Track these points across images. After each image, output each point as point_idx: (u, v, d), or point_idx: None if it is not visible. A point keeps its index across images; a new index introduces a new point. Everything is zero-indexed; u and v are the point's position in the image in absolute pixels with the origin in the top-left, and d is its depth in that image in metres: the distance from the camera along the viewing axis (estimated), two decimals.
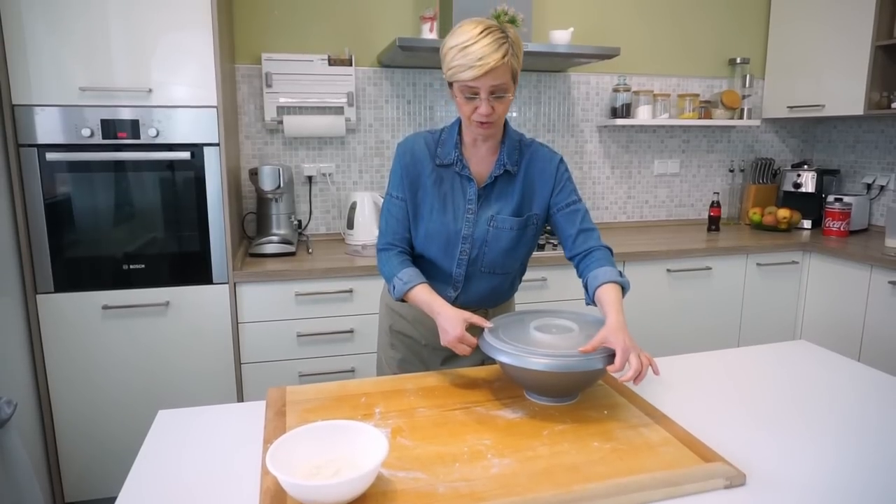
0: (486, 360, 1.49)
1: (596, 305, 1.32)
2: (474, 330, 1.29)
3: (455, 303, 1.44)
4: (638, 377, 1.11)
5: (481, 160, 1.42)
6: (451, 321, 1.28)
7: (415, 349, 1.55)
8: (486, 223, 1.41)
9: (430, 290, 1.36)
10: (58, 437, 2.12)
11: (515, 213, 1.41)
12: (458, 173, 1.41)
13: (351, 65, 2.68)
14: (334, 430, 0.98)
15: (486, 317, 1.52)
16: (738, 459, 1.01)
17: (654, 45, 3.14)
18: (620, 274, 1.34)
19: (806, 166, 3.25)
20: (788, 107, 3.16)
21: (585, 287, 1.36)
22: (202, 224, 2.14)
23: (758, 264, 2.76)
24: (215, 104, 2.08)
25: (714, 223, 3.13)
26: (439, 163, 1.41)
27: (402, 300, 1.41)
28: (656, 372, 1.18)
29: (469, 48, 1.21)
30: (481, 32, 1.22)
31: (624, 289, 1.31)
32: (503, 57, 1.22)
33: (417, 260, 1.47)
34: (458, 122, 1.42)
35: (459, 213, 1.41)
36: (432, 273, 1.46)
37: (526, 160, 1.42)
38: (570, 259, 1.44)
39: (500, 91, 1.26)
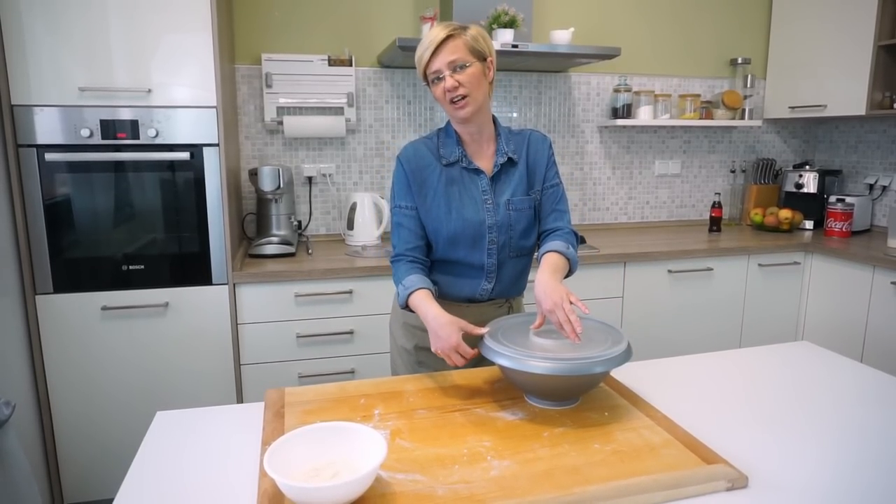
0: None
1: None
2: (471, 339, 1.28)
3: (492, 294, 1.49)
4: (572, 332, 1.18)
5: (482, 154, 1.47)
6: (445, 328, 1.26)
7: (443, 360, 1.54)
8: (504, 208, 1.44)
9: (429, 295, 1.35)
10: (57, 439, 2.11)
11: (525, 193, 1.47)
12: (466, 168, 1.44)
13: (351, 65, 2.68)
14: (333, 431, 0.97)
15: (511, 309, 1.56)
16: (740, 461, 1.00)
17: (654, 46, 3.13)
18: (571, 248, 1.41)
19: (808, 167, 3.24)
20: (790, 107, 3.15)
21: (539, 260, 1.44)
22: (202, 225, 2.13)
23: (759, 265, 2.75)
24: (215, 104, 2.07)
25: (715, 224, 3.13)
26: (445, 162, 1.44)
27: (409, 308, 1.39)
28: (584, 310, 1.23)
29: (423, 40, 1.36)
30: (436, 27, 1.36)
31: (570, 262, 1.40)
32: (450, 32, 1.33)
33: (443, 263, 1.47)
34: (451, 124, 1.47)
35: (479, 206, 1.43)
36: (463, 271, 1.46)
37: (524, 146, 1.49)
38: (540, 229, 1.52)
39: (460, 63, 1.34)
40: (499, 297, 1.52)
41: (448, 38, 1.33)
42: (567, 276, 1.41)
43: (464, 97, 1.34)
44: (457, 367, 1.30)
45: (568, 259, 1.39)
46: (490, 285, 1.48)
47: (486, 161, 1.46)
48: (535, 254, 1.50)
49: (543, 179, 1.49)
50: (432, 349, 1.30)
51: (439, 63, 1.33)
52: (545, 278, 1.29)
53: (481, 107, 1.39)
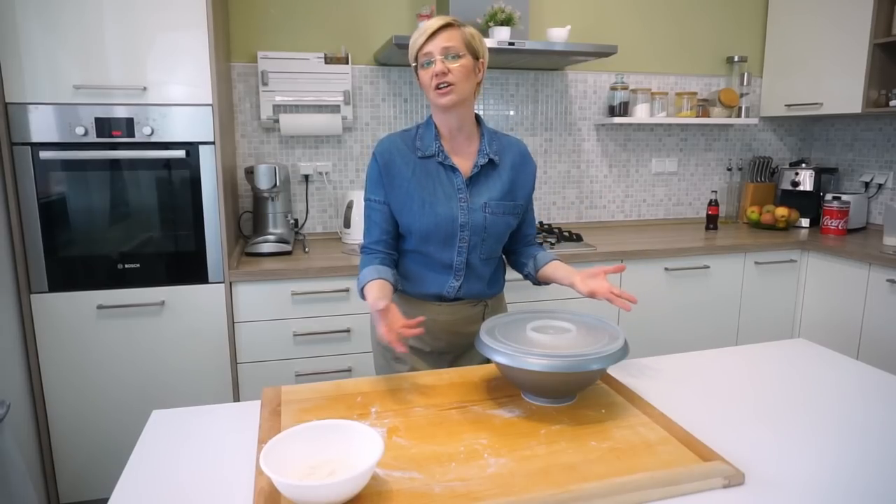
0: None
1: (537, 279, 1.54)
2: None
3: (458, 293, 1.47)
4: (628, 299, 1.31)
5: (462, 153, 1.45)
6: (379, 325, 1.24)
7: (421, 357, 1.53)
8: (480, 210, 1.42)
9: (374, 286, 1.34)
10: (52, 438, 2.10)
11: (505, 199, 1.45)
12: (441, 163, 1.43)
13: (347, 63, 2.67)
14: (329, 429, 0.97)
15: (487, 308, 1.54)
16: (736, 458, 1.01)
17: (651, 43, 3.13)
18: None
19: (804, 164, 3.25)
20: (786, 105, 3.16)
21: (527, 265, 1.56)
22: (198, 223, 2.12)
23: (756, 263, 2.76)
24: (211, 102, 2.06)
25: (712, 222, 3.13)
26: (421, 155, 1.43)
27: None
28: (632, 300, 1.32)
29: (420, 27, 1.37)
30: (435, 17, 1.37)
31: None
32: (450, 22, 1.35)
33: (415, 254, 1.46)
34: (432, 118, 1.46)
35: (453, 202, 1.41)
36: (433, 265, 1.45)
37: (510, 153, 1.48)
38: (513, 246, 1.58)
39: (453, 52, 1.33)
40: (469, 296, 1.50)
41: (447, 25, 1.34)
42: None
43: (449, 85, 1.33)
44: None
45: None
46: (457, 283, 1.46)
47: (464, 160, 1.44)
48: (519, 264, 1.59)
49: (527, 200, 1.52)
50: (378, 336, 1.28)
51: (433, 47, 1.33)
52: (583, 275, 1.40)
53: (465, 101, 1.38)
